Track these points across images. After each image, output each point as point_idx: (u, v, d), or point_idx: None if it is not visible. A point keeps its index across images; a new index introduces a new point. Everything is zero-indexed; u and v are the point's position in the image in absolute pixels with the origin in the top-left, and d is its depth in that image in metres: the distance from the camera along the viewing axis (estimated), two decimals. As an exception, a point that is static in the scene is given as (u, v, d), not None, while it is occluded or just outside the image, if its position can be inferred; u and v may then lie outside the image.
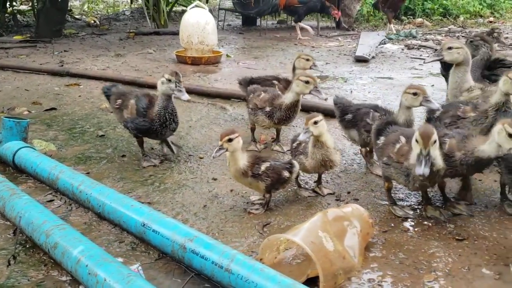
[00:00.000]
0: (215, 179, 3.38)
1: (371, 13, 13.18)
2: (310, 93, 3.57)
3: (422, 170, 2.46)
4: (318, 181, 3.29)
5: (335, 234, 2.40)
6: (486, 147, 2.69)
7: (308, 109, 4.64)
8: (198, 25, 6.97)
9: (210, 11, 7.57)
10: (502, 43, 5.32)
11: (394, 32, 10.30)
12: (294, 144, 3.19)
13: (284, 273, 2.31)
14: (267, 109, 3.73)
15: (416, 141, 2.53)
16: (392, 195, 3.08)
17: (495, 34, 4.90)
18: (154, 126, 3.42)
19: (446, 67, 4.96)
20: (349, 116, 3.55)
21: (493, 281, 2.36)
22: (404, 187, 3.22)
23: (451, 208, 3.00)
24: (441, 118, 3.31)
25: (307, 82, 3.49)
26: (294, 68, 4.27)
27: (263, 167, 2.87)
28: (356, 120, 3.50)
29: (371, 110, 3.47)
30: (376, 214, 2.98)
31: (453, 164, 2.80)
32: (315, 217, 2.44)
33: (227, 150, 2.74)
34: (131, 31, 9.72)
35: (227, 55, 7.70)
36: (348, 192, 3.26)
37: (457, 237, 2.71)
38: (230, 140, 2.73)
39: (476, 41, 4.17)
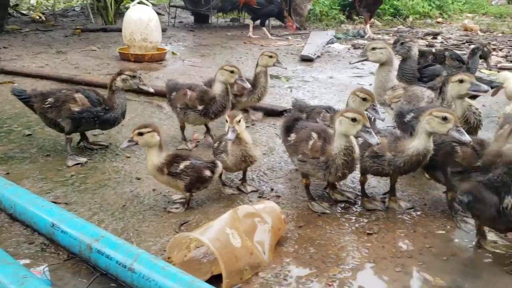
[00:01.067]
0: (139, 179, 3.37)
1: (324, 12, 13.39)
2: (235, 82, 3.67)
3: (377, 139, 2.64)
4: (243, 179, 3.33)
5: (244, 231, 2.44)
6: (415, 143, 2.81)
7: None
8: (141, 22, 6.87)
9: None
10: (488, 64, 4.96)
11: (370, 33, 10.38)
12: (215, 144, 3.21)
13: (193, 270, 2.35)
14: (199, 107, 3.75)
15: (354, 120, 2.64)
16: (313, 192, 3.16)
17: (485, 49, 4.70)
18: (116, 114, 3.72)
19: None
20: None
21: (395, 272, 2.46)
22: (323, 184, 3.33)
23: (366, 203, 3.11)
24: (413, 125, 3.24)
25: (232, 72, 3.60)
26: (257, 65, 4.31)
27: (182, 165, 2.89)
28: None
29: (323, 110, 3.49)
30: (295, 210, 3.05)
31: (381, 163, 2.91)
32: (225, 214, 2.48)
33: (136, 144, 2.80)
34: (77, 27, 9.47)
35: (173, 53, 7.64)
36: (272, 189, 3.31)
37: (368, 232, 2.82)
38: (140, 134, 2.77)
39: (408, 43, 4.27)
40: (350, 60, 4.44)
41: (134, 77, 3.69)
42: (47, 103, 3.60)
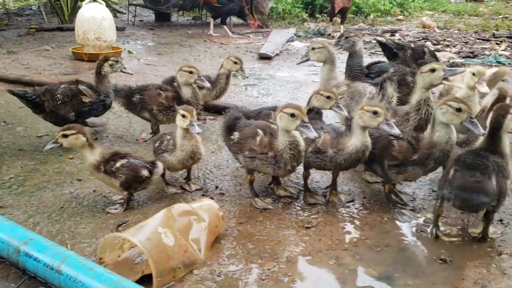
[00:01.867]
0: (80, 180, 3.32)
1: (287, 10, 13.47)
2: (195, 82, 3.78)
3: (315, 133, 2.73)
4: (187, 177, 3.33)
5: (179, 229, 2.44)
6: (353, 140, 2.87)
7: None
8: (94, 20, 6.76)
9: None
10: None
11: (330, 31, 10.40)
12: (156, 144, 3.19)
13: (127, 271, 2.34)
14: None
15: (293, 115, 2.72)
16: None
17: None
18: (111, 99, 4.03)
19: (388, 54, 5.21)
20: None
21: (329, 265, 2.51)
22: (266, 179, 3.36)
23: (308, 198, 3.15)
24: None
25: (191, 72, 3.74)
26: (222, 67, 4.41)
27: (118, 164, 2.87)
28: None
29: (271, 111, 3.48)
30: (238, 207, 3.07)
31: (324, 159, 2.96)
32: (158, 213, 2.48)
33: (61, 146, 2.84)
34: (32, 26, 9.22)
35: (129, 51, 7.54)
36: (216, 187, 3.32)
37: (306, 225, 2.86)
38: (65, 136, 2.79)
39: (352, 37, 4.33)
40: (297, 61, 4.48)
41: (117, 61, 3.95)
42: (58, 97, 3.76)
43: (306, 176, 3.19)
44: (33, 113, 3.88)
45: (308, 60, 4.01)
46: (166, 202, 3.08)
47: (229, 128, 3.10)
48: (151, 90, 3.90)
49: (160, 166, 3.01)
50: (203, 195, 3.20)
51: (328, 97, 3.16)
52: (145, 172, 2.92)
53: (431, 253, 2.62)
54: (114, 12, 11.32)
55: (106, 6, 10.33)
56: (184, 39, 9.20)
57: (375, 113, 2.76)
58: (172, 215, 2.47)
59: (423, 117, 3.29)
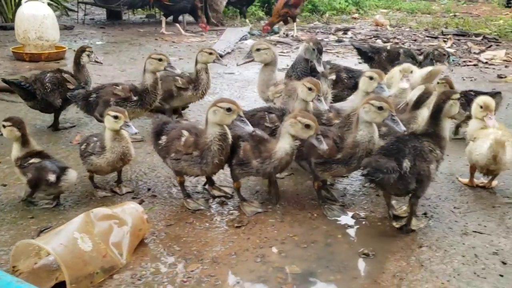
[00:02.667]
0: (4, 185, 3.20)
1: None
2: (165, 69, 3.78)
3: (251, 127, 2.77)
4: (118, 180, 3.26)
5: (98, 234, 2.39)
6: (281, 145, 2.81)
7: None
8: (35, 19, 6.53)
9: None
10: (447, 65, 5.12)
11: (282, 32, 10.35)
12: (83, 146, 3.11)
13: (44, 278, 2.28)
14: (134, 98, 3.80)
15: (229, 110, 2.75)
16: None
17: (436, 52, 4.90)
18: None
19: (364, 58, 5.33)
20: None
21: (253, 263, 2.52)
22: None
23: (246, 208, 3.05)
24: None
25: (160, 60, 3.74)
26: (197, 63, 4.27)
27: (31, 160, 2.87)
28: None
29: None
30: (169, 208, 3.04)
31: (249, 170, 2.91)
32: (76, 218, 2.42)
33: (1, 135, 2.93)
34: (-29, 26, 8.85)
35: (75, 51, 7.32)
36: (149, 189, 3.28)
37: (237, 225, 2.86)
38: (3, 126, 2.90)
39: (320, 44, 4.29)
40: (238, 62, 4.37)
41: (92, 52, 4.25)
42: (47, 87, 4.02)
43: (237, 187, 3.06)
44: (23, 100, 4.15)
45: (252, 61, 3.98)
46: (94, 206, 2.99)
47: (158, 134, 3.05)
48: (106, 87, 3.89)
49: (72, 174, 2.93)
50: (133, 198, 3.15)
51: (310, 89, 3.10)
52: (51, 177, 2.85)
53: (355, 247, 2.67)
54: (66, 10, 11.01)
55: (57, 4, 10.08)
56: (135, 37, 9.04)
57: (307, 126, 2.71)
58: (91, 219, 2.42)
59: None
